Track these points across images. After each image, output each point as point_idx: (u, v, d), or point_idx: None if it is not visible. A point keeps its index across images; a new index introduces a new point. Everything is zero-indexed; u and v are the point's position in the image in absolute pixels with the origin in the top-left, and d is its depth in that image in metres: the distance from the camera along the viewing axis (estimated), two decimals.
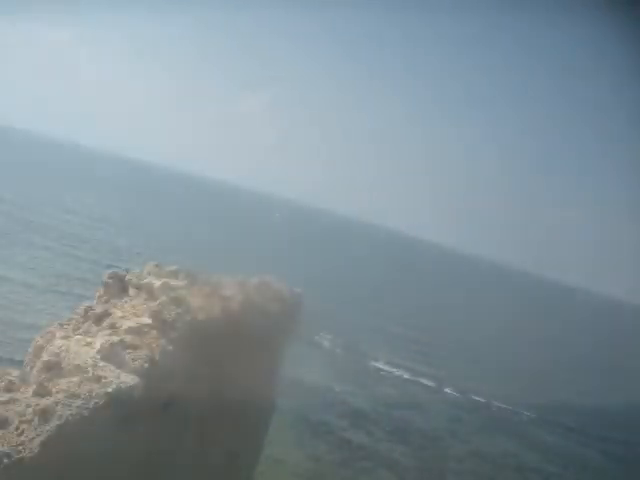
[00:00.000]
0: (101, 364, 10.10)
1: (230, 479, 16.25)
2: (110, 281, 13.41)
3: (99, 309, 12.34)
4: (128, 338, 11.02)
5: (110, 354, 10.42)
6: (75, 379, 9.68)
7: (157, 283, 13.00)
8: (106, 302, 12.97)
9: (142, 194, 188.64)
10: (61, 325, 11.99)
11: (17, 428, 8.97)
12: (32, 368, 10.84)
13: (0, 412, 9.35)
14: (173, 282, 13.21)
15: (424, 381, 59.95)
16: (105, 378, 9.74)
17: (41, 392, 9.89)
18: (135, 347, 10.90)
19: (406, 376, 59.80)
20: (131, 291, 13.44)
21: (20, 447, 8.66)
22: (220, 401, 14.31)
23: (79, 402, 9.28)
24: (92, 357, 10.22)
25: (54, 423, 8.95)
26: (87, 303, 13.00)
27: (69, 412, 9.09)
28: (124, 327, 11.37)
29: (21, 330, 40.07)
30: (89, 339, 11.01)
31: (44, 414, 9.07)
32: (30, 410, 9.22)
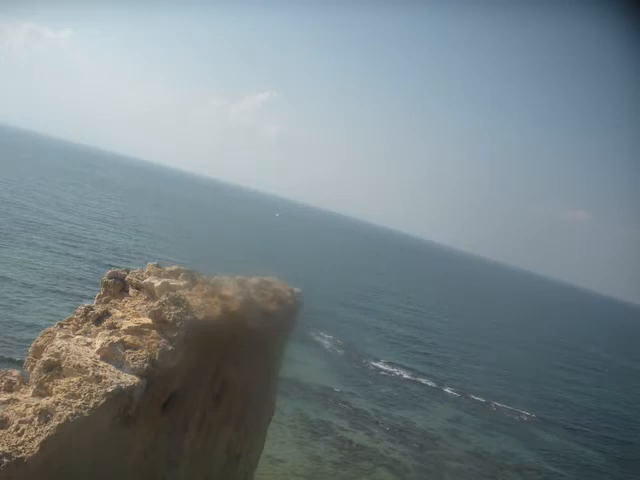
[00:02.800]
0: (101, 364, 10.09)
1: (230, 479, 16.25)
2: (110, 281, 13.39)
3: (99, 309, 12.32)
4: (128, 338, 11.01)
5: (110, 354, 10.42)
6: (75, 379, 9.68)
7: (157, 283, 12.97)
8: (106, 302, 12.95)
9: (143, 194, 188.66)
10: (61, 325, 11.97)
11: (17, 428, 8.96)
12: (32, 368, 10.83)
13: (0, 412, 9.34)
14: (173, 282, 13.19)
15: (424, 381, 60.04)
16: (105, 378, 9.74)
17: (41, 392, 9.90)
18: (135, 347, 10.89)
19: (406, 376, 59.87)
20: (131, 291, 13.42)
21: (20, 447, 8.65)
22: (220, 401, 14.31)
23: (79, 402, 9.27)
24: (92, 357, 10.21)
25: (54, 423, 8.95)
26: (87, 303, 12.99)
27: (69, 412, 9.08)
28: (124, 327, 11.35)
29: (21, 330, 40.14)
30: (89, 339, 11.01)
31: (44, 414, 9.07)
32: (30, 410, 9.22)
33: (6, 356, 34.95)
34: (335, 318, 71.51)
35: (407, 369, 61.73)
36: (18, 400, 9.87)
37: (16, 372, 11.09)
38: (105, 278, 13.54)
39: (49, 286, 52.21)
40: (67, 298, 49.99)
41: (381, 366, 60.44)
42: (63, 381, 9.73)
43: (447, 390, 59.00)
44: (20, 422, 9.03)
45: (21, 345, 36.02)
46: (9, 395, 10.12)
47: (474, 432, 49.40)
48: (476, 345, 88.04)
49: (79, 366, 9.90)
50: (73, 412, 9.10)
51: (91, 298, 14.11)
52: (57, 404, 9.22)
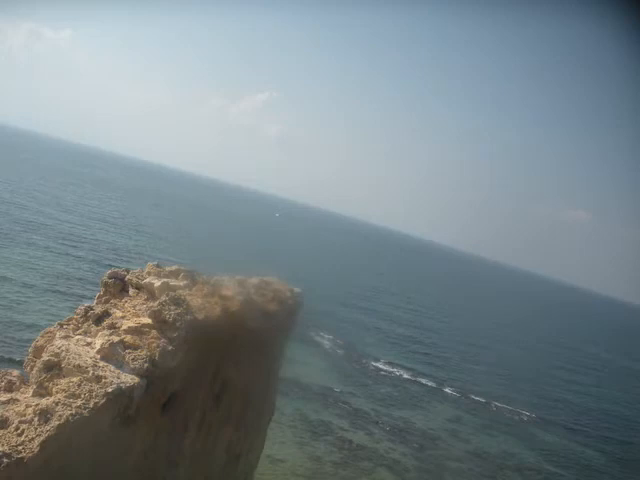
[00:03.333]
0: (101, 364, 10.09)
1: (230, 479, 16.25)
2: (110, 281, 13.39)
3: (99, 309, 12.32)
4: (128, 338, 11.01)
5: (110, 354, 10.42)
6: (75, 379, 9.68)
7: (157, 283, 12.97)
8: (106, 302, 12.95)
9: (143, 194, 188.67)
10: (61, 325, 11.97)
11: (17, 428, 8.96)
12: (32, 368, 10.83)
13: (0, 412, 9.34)
14: (173, 282, 13.19)
15: (424, 381, 60.03)
16: (105, 378, 9.74)
17: (41, 392, 9.90)
18: (135, 347, 10.89)
19: (406, 376, 59.86)
20: (131, 291, 13.42)
21: (20, 447, 8.65)
22: (220, 401, 14.31)
23: (79, 402, 9.27)
24: (92, 357, 10.21)
25: (54, 423, 8.95)
26: (87, 303, 12.99)
27: (69, 412, 9.08)
28: (124, 327, 11.36)
29: (21, 330, 40.14)
30: (89, 339, 11.01)
31: (44, 414, 9.07)
32: (30, 410, 9.22)
33: (6, 356, 34.95)
34: (335, 318, 71.52)
35: (407, 369, 61.73)
36: (18, 400, 9.87)
37: (16, 372, 11.09)
38: (105, 278, 13.54)
39: (49, 286, 52.21)
40: (67, 298, 49.99)
41: (381, 366, 60.45)
42: (63, 381, 9.73)
43: (447, 390, 59.01)
44: (20, 422, 9.03)
45: (21, 345, 36.02)
46: (9, 395, 10.11)
47: (474, 432, 49.40)
48: (476, 345, 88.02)
49: (79, 366, 9.90)
50: (73, 412, 9.10)
51: (91, 298, 14.10)
52: (57, 404, 9.22)
